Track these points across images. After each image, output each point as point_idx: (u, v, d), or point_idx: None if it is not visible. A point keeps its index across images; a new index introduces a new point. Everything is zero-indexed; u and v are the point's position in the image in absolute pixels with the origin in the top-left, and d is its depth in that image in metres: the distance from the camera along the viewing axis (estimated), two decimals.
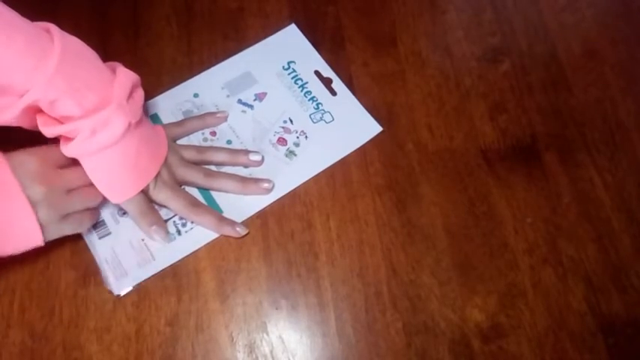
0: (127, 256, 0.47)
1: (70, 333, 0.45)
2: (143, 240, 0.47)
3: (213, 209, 0.48)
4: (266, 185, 0.49)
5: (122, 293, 0.46)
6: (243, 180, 0.49)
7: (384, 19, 0.58)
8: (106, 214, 0.48)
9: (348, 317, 0.46)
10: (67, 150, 0.42)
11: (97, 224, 0.48)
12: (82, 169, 0.44)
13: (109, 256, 0.47)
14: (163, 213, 0.48)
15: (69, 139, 0.42)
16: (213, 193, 0.49)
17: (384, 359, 0.44)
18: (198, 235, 0.48)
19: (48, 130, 0.42)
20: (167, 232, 0.47)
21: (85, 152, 0.42)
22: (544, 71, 0.55)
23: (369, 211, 0.49)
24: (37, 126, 0.42)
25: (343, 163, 0.51)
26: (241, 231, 0.48)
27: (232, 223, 0.48)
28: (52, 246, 0.47)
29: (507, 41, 0.57)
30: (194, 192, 0.49)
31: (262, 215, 0.49)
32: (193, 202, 0.48)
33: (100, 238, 0.47)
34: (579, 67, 0.56)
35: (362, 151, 0.51)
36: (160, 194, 0.47)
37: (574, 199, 0.50)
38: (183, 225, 0.48)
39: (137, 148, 0.44)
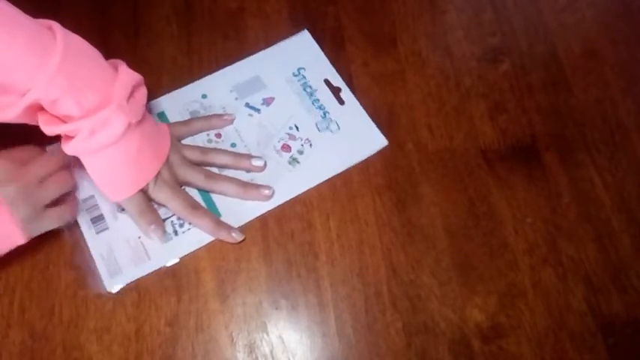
0: (123, 254, 0.47)
1: (70, 333, 0.45)
2: (140, 238, 0.47)
3: (211, 212, 0.48)
4: (266, 192, 0.49)
5: (114, 290, 0.46)
6: (244, 185, 0.49)
7: (384, 19, 0.58)
8: (105, 209, 0.48)
9: (348, 317, 0.46)
10: (68, 148, 0.42)
11: (95, 219, 0.48)
12: (45, 158, 0.44)
13: (104, 251, 0.47)
14: (162, 212, 0.48)
15: (69, 138, 0.42)
16: (213, 196, 0.49)
17: (384, 359, 0.44)
18: (195, 237, 0.48)
19: (49, 129, 0.42)
20: (165, 232, 0.47)
21: (85, 151, 0.42)
22: (544, 71, 0.55)
23: (369, 211, 0.49)
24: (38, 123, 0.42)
25: None
26: (237, 237, 0.48)
27: (229, 228, 0.48)
28: (52, 246, 0.47)
29: (507, 41, 0.57)
30: (194, 193, 0.49)
31: (262, 215, 0.49)
32: (192, 204, 0.48)
33: (97, 232, 0.47)
34: (579, 67, 0.56)
35: None
36: (159, 193, 0.47)
37: (574, 199, 0.50)
38: (181, 225, 0.48)
39: (138, 147, 0.44)
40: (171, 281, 0.46)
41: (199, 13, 0.58)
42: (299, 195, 0.50)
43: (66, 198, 0.46)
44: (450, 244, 0.48)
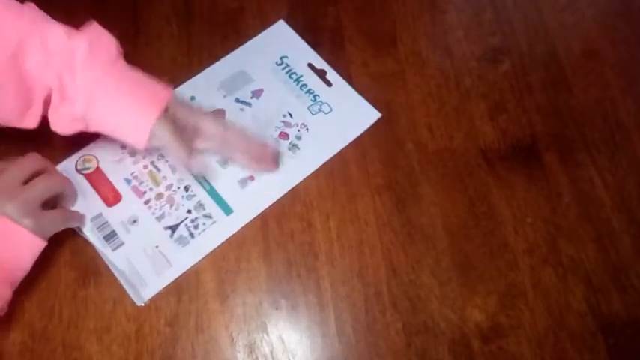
0: (144, 265, 0.46)
1: (70, 333, 0.45)
2: (157, 247, 0.47)
3: None
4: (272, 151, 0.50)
5: (144, 303, 0.45)
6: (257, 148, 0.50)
7: (384, 19, 0.58)
8: (115, 224, 0.48)
9: (348, 317, 0.46)
10: (74, 105, 0.42)
11: (107, 236, 0.47)
12: (22, 160, 0.43)
13: (125, 267, 0.46)
14: (174, 217, 0.48)
15: (73, 100, 0.42)
16: (221, 193, 0.49)
17: (384, 359, 0.44)
18: (212, 237, 0.48)
19: (49, 72, 0.42)
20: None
21: (92, 79, 0.42)
22: (544, 71, 0.55)
23: (369, 211, 0.49)
24: (23, 108, 0.43)
25: (343, 162, 0.51)
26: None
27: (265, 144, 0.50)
28: (52, 246, 0.47)
29: (507, 41, 0.57)
30: (200, 192, 0.49)
31: (262, 215, 0.49)
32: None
33: (113, 250, 0.47)
34: (579, 67, 0.56)
35: (362, 151, 0.51)
36: (186, 110, 0.46)
37: (574, 199, 0.50)
38: (196, 227, 0.48)
39: (138, 76, 0.44)
40: (171, 281, 0.46)
41: (199, 13, 0.58)
42: (299, 189, 0.50)
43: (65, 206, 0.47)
44: (450, 244, 0.48)
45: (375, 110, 0.53)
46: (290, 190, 0.50)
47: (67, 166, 0.50)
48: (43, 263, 0.47)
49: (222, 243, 0.48)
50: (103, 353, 0.44)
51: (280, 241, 0.48)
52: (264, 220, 0.49)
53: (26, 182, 0.43)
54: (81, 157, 0.50)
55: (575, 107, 0.54)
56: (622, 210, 0.49)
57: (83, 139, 0.50)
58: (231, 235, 0.48)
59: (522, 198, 0.50)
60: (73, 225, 0.47)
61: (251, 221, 0.49)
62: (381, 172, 0.51)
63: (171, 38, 0.56)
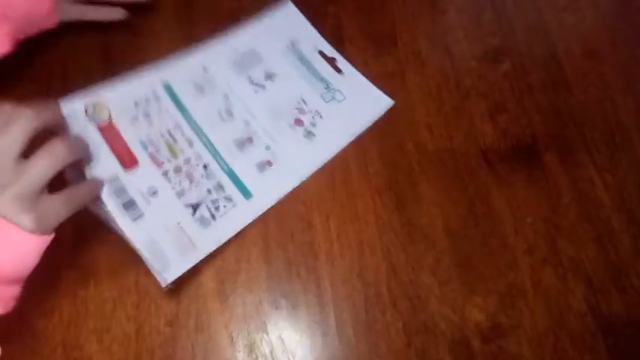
0: (167, 244, 0.44)
1: (70, 333, 0.45)
2: (179, 224, 0.45)
3: None
4: None
5: (168, 285, 0.44)
6: None
7: (384, 19, 0.58)
8: (135, 192, 0.44)
9: (348, 317, 0.46)
10: None
11: (127, 204, 0.44)
12: (16, 126, 0.34)
13: (148, 244, 0.43)
14: (194, 195, 0.46)
15: None
16: (241, 176, 0.49)
17: (384, 359, 0.44)
18: (233, 220, 0.47)
19: None
20: None
21: None
22: (544, 71, 0.55)
23: (369, 211, 0.49)
24: None
25: (343, 162, 0.51)
26: None
27: None
28: (52, 246, 0.47)
29: (507, 41, 0.57)
30: (218, 173, 0.48)
31: (262, 216, 0.49)
32: None
33: (133, 220, 0.43)
34: (579, 67, 0.56)
35: (362, 151, 0.52)
36: None
37: (574, 199, 0.50)
38: (217, 209, 0.47)
39: None
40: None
41: (199, 12, 0.58)
42: (299, 189, 0.50)
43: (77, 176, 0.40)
44: (450, 244, 0.48)
45: (387, 97, 0.53)
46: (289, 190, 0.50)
47: (76, 110, 0.43)
48: (43, 263, 0.46)
49: (226, 241, 0.47)
50: (103, 353, 0.44)
51: (280, 241, 0.48)
52: (264, 220, 0.49)
53: (27, 152, 0.34)
54: (91, 103, 0.44)
55: (575, 107, 0.54)
56: (622, 210, 0.49)
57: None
58: (240, 230, 0.47)
59: (522, 198, 0.50)
60: (86, 203, 0.40)
61: (250, 223, 0.48)
62: (381, 172, 0.51)
63: (172, 37, 0.56)
